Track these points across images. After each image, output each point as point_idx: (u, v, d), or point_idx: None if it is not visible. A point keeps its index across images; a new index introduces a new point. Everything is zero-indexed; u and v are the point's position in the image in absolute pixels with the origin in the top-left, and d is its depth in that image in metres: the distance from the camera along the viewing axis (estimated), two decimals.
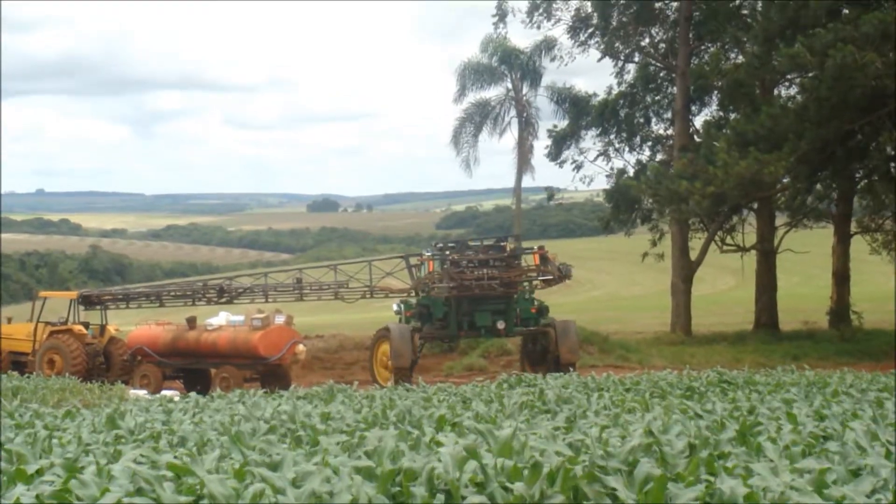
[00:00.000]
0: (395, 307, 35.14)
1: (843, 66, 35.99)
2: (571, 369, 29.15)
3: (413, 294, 34.45)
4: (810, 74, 39.98)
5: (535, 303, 34.26)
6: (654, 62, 49.89)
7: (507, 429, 11.06)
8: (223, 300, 36.10)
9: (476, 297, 32.81)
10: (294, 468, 7.86)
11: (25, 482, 7.73)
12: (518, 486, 7.16)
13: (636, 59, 50.54)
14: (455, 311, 33.36)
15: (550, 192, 58.99)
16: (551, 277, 33.74)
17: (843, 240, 47.17)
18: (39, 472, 8.43)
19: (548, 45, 52.50)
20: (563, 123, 52.88)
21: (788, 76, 44.73)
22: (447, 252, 33.64)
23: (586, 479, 7.20)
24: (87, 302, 36.82)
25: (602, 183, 52.46)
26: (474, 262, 33.13)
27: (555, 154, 51.98)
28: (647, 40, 49.89)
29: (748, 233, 48.88)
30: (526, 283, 33.94)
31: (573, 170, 52.03)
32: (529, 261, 33.94)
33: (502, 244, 34.88)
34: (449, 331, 34.10)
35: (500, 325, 33.26)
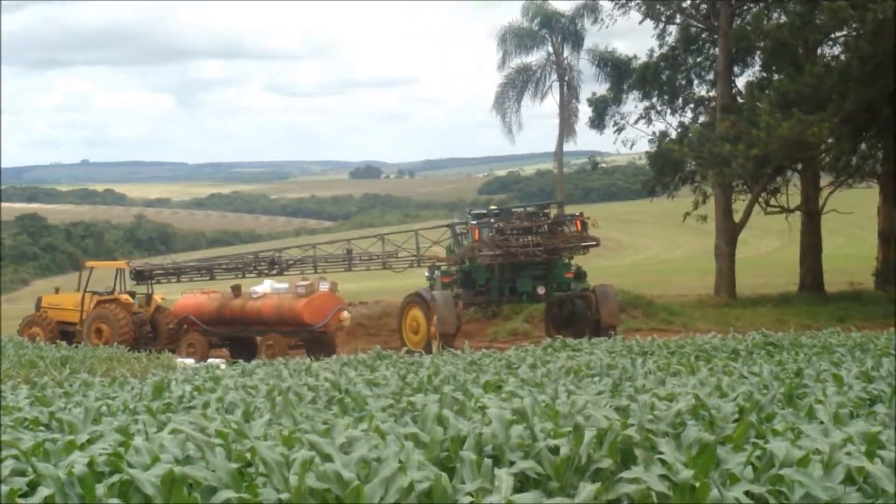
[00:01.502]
0: (426, 273, 35.13)
1: (884, 21, 35.59)
2: (613, 333, 29.27)
3: (457, 261, 34.40)
4: (853, 32, 39.50)
5: (572, 268, 34.26)
6: (695, 23, 49.39)
7: (552, 392, 11.10)
8: (274, 272, 36.15)
9: (518, 263, 32.83)
10: (342, 434, 7.90)
11: (78, 450, 7.79)
12: (563, 449, 7.16)
13: (677, 20, 50.02)
14: (497, 277, 33.39)
15: (594, 161, 58.70)
16: (594, 244, 33.73)
17: (888, 199, 46.62)
18: (91, 441, 8.52)
19: (589, 8, 52.13)
20: (604, 87, 52.60)
21: (832, 35, 44.19)
22: (491, 220, 33.60)
23: (634, 442, 7.19)
24: (140, 276, 36.97)
25: (644, 146, 52.03)
26: (518, 230, 33.08)
27: (597, 122, 51.65)
28: (689, 1, 49.41)
29: (792, 194, 48.39)
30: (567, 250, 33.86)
31: (615, 132, 51.75)
32: (571, 227, 33.89)
33: (545, 210, 34.86)
34: (490, 297, 34.15)
35: (541, 290, 33.30)
